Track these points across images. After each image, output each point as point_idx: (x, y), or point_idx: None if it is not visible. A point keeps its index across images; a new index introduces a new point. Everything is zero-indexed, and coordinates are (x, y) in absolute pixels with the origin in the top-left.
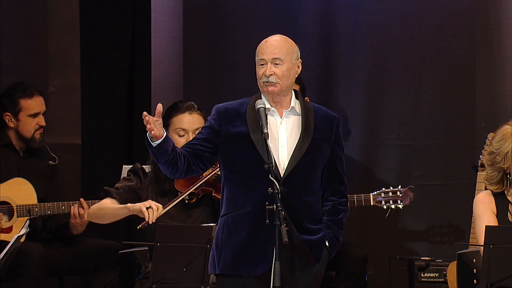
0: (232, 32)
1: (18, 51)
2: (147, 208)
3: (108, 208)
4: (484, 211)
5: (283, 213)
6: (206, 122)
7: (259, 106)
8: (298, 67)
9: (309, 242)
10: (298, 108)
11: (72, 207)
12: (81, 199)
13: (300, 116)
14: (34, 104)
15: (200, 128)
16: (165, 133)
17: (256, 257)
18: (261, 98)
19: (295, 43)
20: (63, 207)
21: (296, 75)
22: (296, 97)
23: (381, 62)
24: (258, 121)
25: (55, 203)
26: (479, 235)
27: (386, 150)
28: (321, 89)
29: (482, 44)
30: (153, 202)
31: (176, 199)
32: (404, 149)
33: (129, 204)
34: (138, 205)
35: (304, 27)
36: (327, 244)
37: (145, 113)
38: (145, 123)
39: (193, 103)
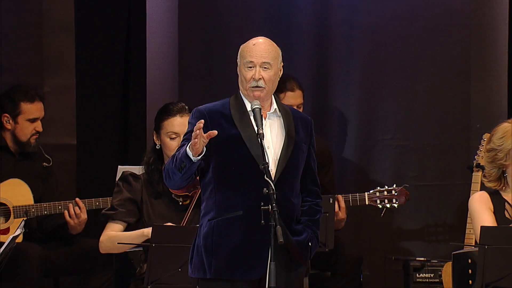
0: (227, 31)
1: (14, 51)
2: None
3: (123, 238)
4: (481, 207)
5: (278, 213)
6: (190, 126)
7: (254, 107)
8: (281, 70)
9: (298, 243)
10: (278, 110)
11: (67, 208)
12: (77, 199)
13: (280, 117)
14: (35, 109)
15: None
16: (205, 150)
17: (251, 261)
18: (239, 99)
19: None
20: (60, 207)
21: (278, 78)
22: (275, 100)
23: (376, 63)
24: (246, 122)
25: (51, 203)
26: (478, 232)
27: (381, 150)
28: (316, 89)
29: (476, 45)
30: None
31: (188, 212)
32: (399, 149)
33: (145, 230)
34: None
35: (299, 27)
36: (310, 244)
37: (201, 125)
38: (195, 136)
39: (183, 104)
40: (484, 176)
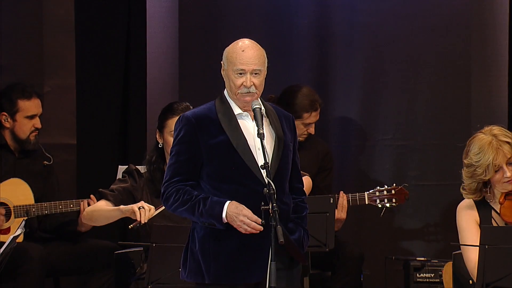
0: (227, 32)
1: (14, 51)
2: (139, 209)
3: (102, 210)
4: (467, 223)
5: (278, 213)
6: (178, 133)
7: (255, 106)
8: (265, 71)
9: (295, 242)
10: (265, 112)
11: (82, 203)
12: (92, 196)
13: (268, 119)
14: (32, 106)
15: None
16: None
17: (250, 265)
18: (225, 102)
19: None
20: (60, 206)
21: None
22: (261, 101)
23: (377, 62)
24: (234, 126)
25: (52, 202)
26: (464, 247)
27: (381, 150)
28: (316, 89)
29: (477, 44)
30: (145, 203)
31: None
32: (400, 149)
33: (121, 206)
34: (130, 206)
35: (300, 28)
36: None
37: (259, 228)
38: (251, 229)
39: (188, 104)
40: (463, 188)
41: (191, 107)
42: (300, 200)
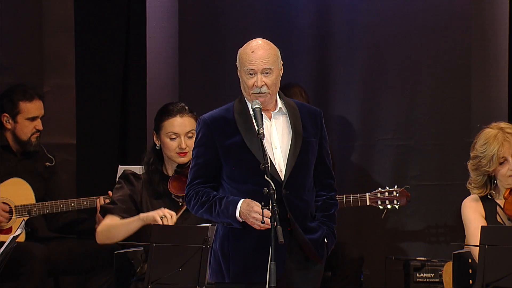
0: (227, 32)
1: (13, 51)
2: (161, 218)
3: (119, 225)
4: (473, 214)
5: (278, 213)
6: (196, 136)
7: (255, 106)
8: (281, 69)
9: (313, 241)
10: (284, 108)
11: (97, 200)
12: (110, 192)
13: (287, 115)
14: (34, 107)
15: (192, 131)
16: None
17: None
18: (243, 102)
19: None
20: (62, 206)
21: (280, 77)
22: (280, 97)
23: (377, 62)
24: (249, 125)
25: (53, 201)
26: (470, 239)
27: (382, 150)
28: (317, 89)
29: (477, 45)
30: (166, 210)
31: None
32: (400, 149)
33: (141, 215)
34: (151, 214)
35: (300, 28)
36: (326, 241)
37: (266, 221)
38: (262, 225)
39: (184, 105)
40: (470, 183)
41: (187, 108)
42: (328, 197)
